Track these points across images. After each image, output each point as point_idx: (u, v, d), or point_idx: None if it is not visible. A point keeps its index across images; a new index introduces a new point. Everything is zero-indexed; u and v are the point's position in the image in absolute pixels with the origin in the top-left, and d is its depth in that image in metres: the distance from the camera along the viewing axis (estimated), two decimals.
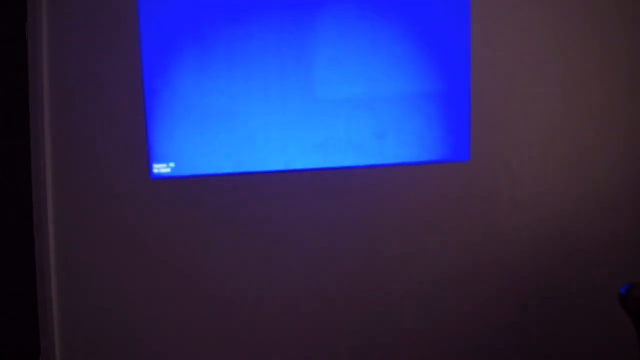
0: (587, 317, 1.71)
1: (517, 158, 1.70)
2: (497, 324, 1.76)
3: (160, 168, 1.88)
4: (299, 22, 1.81)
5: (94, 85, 1.88)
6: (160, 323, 1.93)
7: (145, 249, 1.91)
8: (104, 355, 1.98)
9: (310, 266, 1.85)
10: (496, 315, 1.76)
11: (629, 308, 1.13)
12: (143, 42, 1.85)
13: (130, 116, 1.87)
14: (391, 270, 1.80)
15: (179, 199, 1.89)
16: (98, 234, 1.93)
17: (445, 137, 1.77)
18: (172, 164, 1.88)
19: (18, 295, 1.96)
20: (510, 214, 1.72)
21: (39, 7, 1.88)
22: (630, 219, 1.67)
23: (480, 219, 1.75)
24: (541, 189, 1.70)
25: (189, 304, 1.91)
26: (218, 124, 1.85)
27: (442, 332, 1.79)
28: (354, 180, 1.83)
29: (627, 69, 1.64)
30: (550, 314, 1.73)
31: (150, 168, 1.88)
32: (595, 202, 1.68)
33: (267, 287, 1.88)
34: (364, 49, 1.78)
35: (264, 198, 1.86)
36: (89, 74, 1.89)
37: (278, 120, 1.83)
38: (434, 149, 1.78)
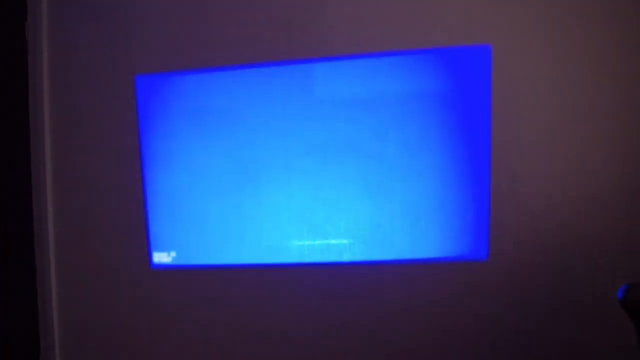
0: (587, 317, 1.71)
1: (517, 158, 1.70)
2: (495, 323, 1.76)
3: (161, 257, 1.89)
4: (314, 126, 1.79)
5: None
6: (159, 323, 1.94)
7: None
8: (104, 355, 1.98)
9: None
10: (495, 315, 1.76)
11: (628, 308, 1.14)
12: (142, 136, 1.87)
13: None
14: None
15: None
16: (97, 238, 1.94)
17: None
18: (173, 253, 1.89)
19: (18, 295, 1.96)
20: (510, 214, 1.72)
21: (39, 7, 1.88)
22: (630, 219, 1.67)
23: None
24: (541, 189, 1.70)
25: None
26: (221, 215, 1.85)
27: (440, 331, 1.79)
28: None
29: (628, 68, 1.64)
30: (549, 314, 1.73)
31: (150, 258, 1.90)
32: (595, 202, 1.68)
33: None
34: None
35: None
36: (89, 76, 1.90)
37: (282, 209, 1.82)
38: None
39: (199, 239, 1.86)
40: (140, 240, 1.90)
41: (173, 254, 1.88)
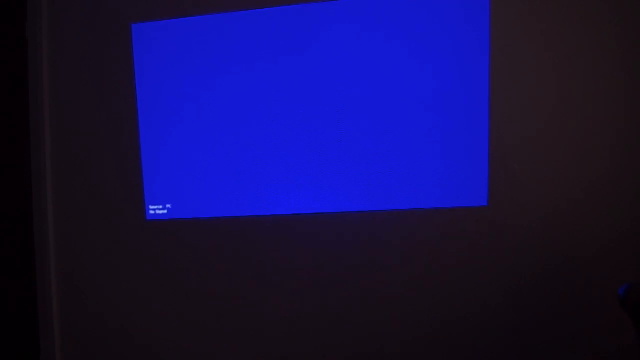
0: (587, 317, 1.71)
1: (517, 158, 1.70)
2: (495, 323, 1.76)
3: (156, 209, 1.88)
4: (305, 61, 1.77)
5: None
6: (159, 323, 1.94)
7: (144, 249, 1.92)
8: (104, 355, 1.98)
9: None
10: (494, 315, 1.76)
11: (627, 308, 1.13)
12: (138, 89, 1.85)
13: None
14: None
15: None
16: (97, 240, 1.94)
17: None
18: (168, 205, 1.88)
19: (18, 295, 1.96)
20: (510, 215, 1.72)
21: (38, 7, 1.88)
22: (630, 219, 1.67)
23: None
24: (541, 189, 1.70)
25: (187, 312, 1.92)
26: (216, 167, 1.84)
27: (440, 330, 1.79)
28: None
29: (628, 68, 1.64)
30: (549, 314, 1.73)
31: (146, 209, 1.89)
32: (595, 202, 1.68)
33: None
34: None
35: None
36: (88, 75, 1.90)
37: (278, 165, 1.81)
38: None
39: (194, 192, 1.86)
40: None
41: (168, 205, 1.87)
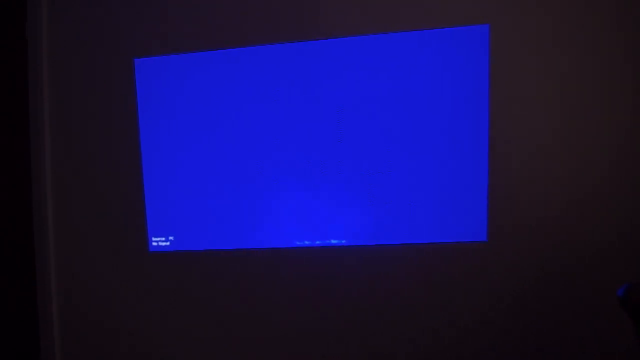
0: (588, 317, 1.71)
1: (517, 158, 1.70)
2: (496, 324, 1.76)
3: (159, 241, 1.90)
4: (308, 101, 1.78)
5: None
6: (159, 324, 1.94)
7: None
8: (103, 356, 1.98)
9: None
10: (495, 315, 1.76)
11: (627, 308, 1.13)
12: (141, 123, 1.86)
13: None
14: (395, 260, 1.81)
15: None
16: (97, 238, 1.94)
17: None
18: (171, 238, 1.89)
19: (18, 295, 1.96)
20: (509, 214, 1.72)
21: (38, 7, 1.88)
22: (630, 219, 1.67)
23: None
24: (541, 189, 1.70)
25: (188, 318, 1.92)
26: (216, 202, 1.85)
27: (442, 332, 1.79)
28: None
29: (628, 69, 1.64)
30: (550, 314, 1.73)
31: (149, 241, 1.90)
32: (595, 202, 1.68)
33: None
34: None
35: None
36: (88, 78, 1.90)
37: (280, 201, 1.83)
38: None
39: (196, 225, 1.87)
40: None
41: (171, 238, 1.89)
